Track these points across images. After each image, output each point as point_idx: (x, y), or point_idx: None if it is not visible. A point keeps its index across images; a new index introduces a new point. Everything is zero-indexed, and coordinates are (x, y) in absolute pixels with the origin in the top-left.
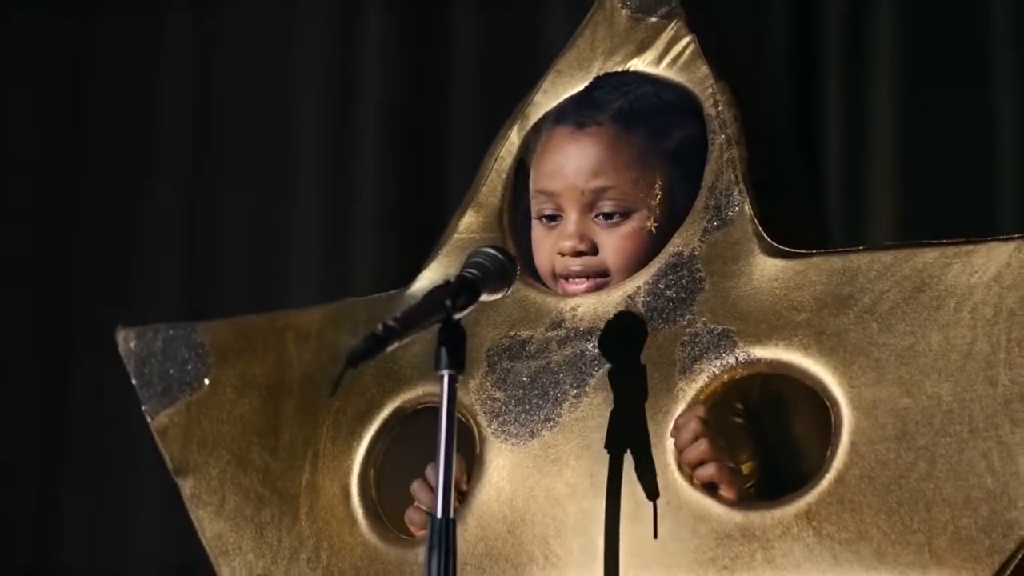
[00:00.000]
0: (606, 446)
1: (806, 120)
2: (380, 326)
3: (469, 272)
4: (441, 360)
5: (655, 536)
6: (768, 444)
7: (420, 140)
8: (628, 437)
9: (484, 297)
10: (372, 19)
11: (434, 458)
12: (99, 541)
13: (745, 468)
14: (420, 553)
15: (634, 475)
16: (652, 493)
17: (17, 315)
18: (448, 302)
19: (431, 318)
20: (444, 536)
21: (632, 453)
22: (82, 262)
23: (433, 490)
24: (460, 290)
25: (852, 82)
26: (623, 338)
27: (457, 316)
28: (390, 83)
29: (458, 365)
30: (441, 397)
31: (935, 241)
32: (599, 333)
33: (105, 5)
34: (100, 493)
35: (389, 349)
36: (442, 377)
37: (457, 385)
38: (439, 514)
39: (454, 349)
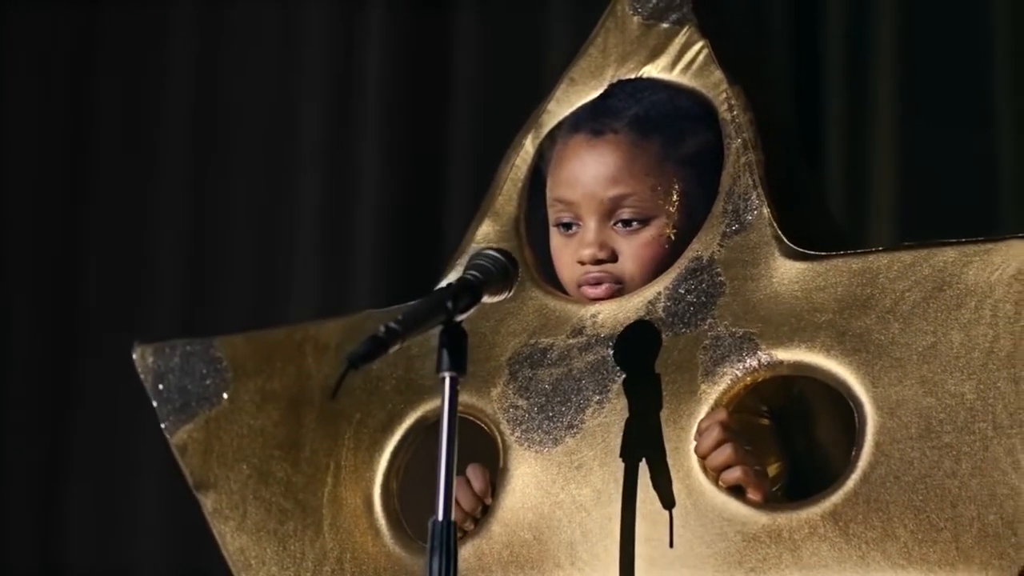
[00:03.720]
0: (622, 455)
1: (808, 125)
2: (382, 327)
3: (471, 274)
4: (443, 362)
5: (671, 545)
6: (794, 446)
7: (421, 139)
8: (646, 444)
9: (486, 299)
10: (373, 18)
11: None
12: (103, 541)
13: (772, 470)
14: None
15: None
16: (668, 502)
17: (21, 316)
18: (449, 304)
19: (432, 320)
20: (444, 539)
21: (650, 461)
22: (86, 261)
23: (469, 487)
24: (462, 292)
25: (854, 87)
26: (639, 346)
27: (459, 318)
28: (390, 82)
29: (460, 367)
30: (443, 399)
31: (954, 240)
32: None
33: (108, 3)
34: (104, 494)
35: (391, 351)
36: (443, 379)
37: (460, 389)
38: (440, 517)
39: (456, 351)
